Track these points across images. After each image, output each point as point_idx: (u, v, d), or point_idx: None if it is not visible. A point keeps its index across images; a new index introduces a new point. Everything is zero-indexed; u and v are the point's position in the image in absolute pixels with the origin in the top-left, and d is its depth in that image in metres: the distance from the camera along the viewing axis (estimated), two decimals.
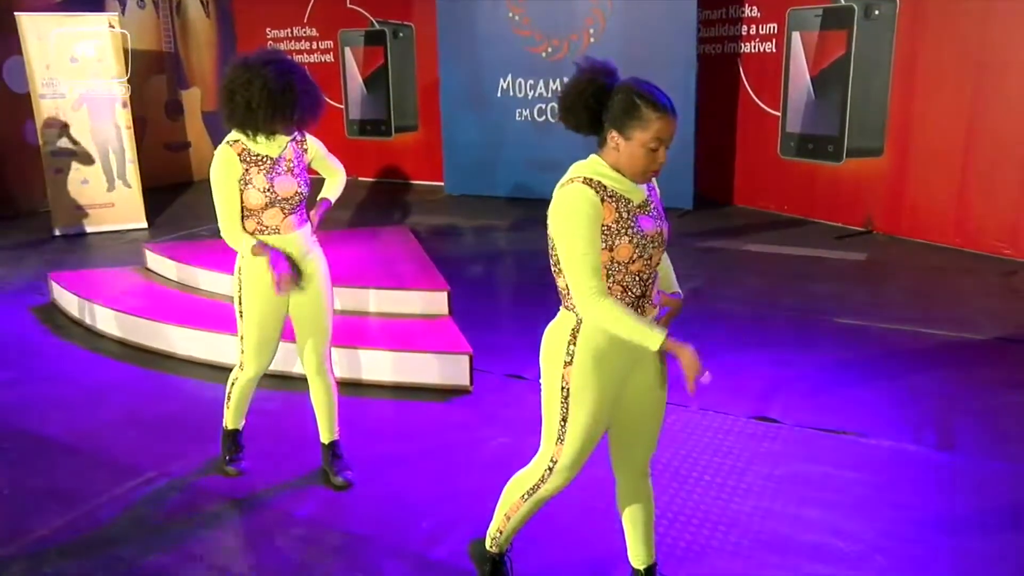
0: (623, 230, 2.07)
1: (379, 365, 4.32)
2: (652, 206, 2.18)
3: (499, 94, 9.32)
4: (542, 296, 5.46)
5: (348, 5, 10.66)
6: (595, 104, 2.08)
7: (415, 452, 3.62)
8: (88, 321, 5.33)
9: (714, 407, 3.93)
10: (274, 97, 2.85)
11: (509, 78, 9.24)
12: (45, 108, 7.87)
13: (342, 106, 10.99)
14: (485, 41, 9.23)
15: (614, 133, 2.08)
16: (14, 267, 6.92)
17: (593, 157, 2.15)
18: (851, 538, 2.90)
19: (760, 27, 8.16)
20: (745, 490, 3.23)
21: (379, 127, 10.90)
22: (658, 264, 2.20)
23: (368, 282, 5.02)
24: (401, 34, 10.47)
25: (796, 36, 7.72)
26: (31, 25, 7.76)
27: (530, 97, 9.19)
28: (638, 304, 2.15)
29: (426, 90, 10.31)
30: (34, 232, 8.14)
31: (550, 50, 8.97)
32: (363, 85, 10.88)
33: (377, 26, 10.58)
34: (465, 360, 4.20)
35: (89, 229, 8.12)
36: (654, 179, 2.19)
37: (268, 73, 2.85)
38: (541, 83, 9.09)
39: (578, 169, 2.14)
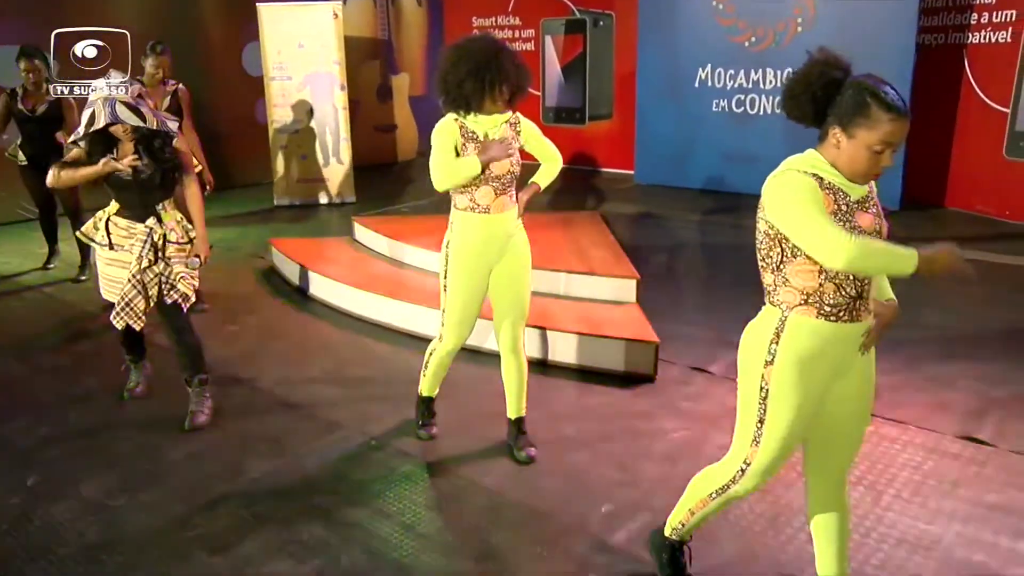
0: (842, 224, 1.99)
1: (566, 347, 4.40)
2: (871, 203, 2.08)
3: (696, 84, 9.13)
4: (731, 290, 5.38)
5: None
6: (823, 96, 2.00)
7: (596, 436, 3.67)
8: (302, 285, 5.80)
9: (917, 422, 3.68)
10: (481, 69, 2.98)
11: (708, 68, 9.03)
12: (274, 89, 8.61)
13: (539, 93, 11.17)
14: (686, 30, 9.07)
15: (837, 129, 1.99)
16: (242, 233, 7.63)
17: (811, 152, 2.07)
18: None
19: (994, 15, 7.46)
20: (949, 514, 3.01)
21: (573, 115, 11.00)
22: None
23: (560, 266, 5.11)
24: (601, 23, 10.49)
25: None
26: (268, 14, 8.50)
27: (729, 88, 8.93)
28: (853, 306, 2.06)
29: (622, 79, 10.28)
30: (258, 202, 8.94)
31: (753, 40, 8.67)
32: (560, 73, 11.01)
33: (578, 15, 10.66)
34: (651, 349, 4.19)
35: (304, 201, 8.81)
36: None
37: (474, 48, 3.02)
38: (741, 73, 8.82)
39: (793, 162, 2.07)
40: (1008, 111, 7.32)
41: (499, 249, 3.23)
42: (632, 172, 9.91)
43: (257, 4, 8.54)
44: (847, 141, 1.98)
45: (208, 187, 5.40)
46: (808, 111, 2.04)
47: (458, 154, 3.11)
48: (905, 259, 1.87)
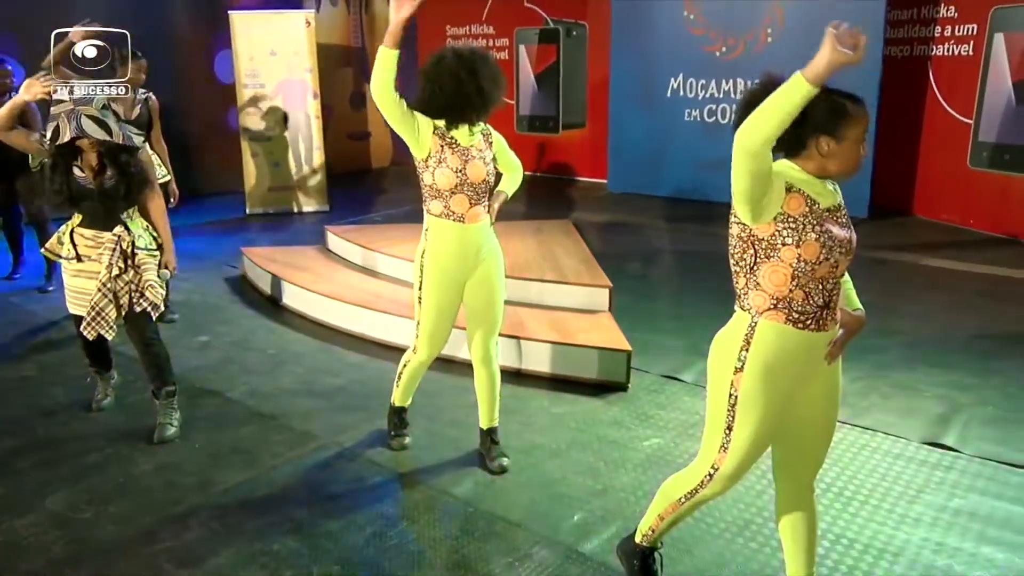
0: (811, 225, 2.02)
1: (538, 356, 4.41)
2: (842, 212, 2.12)
3: (668, 94, 9.23)
4: (703, 299, 5.43)
5: (525, 4, 10.86)
6: (799, 117, 1.96)
7: (569, 445, 3.68)
8: (274, 295, 5.77)
9: (884, 428, 3.74)
10: (497, 82, 3.08)
11: (680, 77, 9.15)
12: (247, 97, 8.56)
13: (513, 102, 11.22)
14: (658, 40, 9.18)
15: (824, 138, 2.03)
16: (213, 241, 7.56)
17: (782, 161, 2.11)
18: None
19: (957, 28, 7.62)
20: (915, 520, 3.06)
21: (547, 123, 11.06)
22: (843, 274, 2.14)
23: (532, 274, 5.13)
24: (575, 32, 10.57)
25: (999, 38, 7.15)
26: (240, 22, 8.46)
27: (701, 97, 9.05)
28: (820, 315, 2.10)
29: (595, 88, 10.36)
30: (230, 210, 8.86)
31: (724, 49, 8.79)
32: (534, 82, 11.06)
33: (552, 25, 10.72)
34: (623, 358, 4.22)
35: (277, 210, 8.76)
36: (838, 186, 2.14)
37: (486, 59, 3.12)
38: (713, 83, 8.94)
39: None
40: (971, 122, 7.48)
41: (473, 260, 3.24)
42: (605, 181, 9.99)
43: (229, 12, 8.50)
44: (838, 145, 2.04)
45: (173, 199, 5.32)
46: (792, 136, 2.02)
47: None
48: (792, 86, 1.92)
